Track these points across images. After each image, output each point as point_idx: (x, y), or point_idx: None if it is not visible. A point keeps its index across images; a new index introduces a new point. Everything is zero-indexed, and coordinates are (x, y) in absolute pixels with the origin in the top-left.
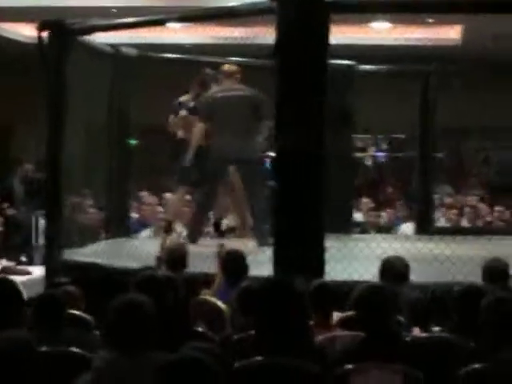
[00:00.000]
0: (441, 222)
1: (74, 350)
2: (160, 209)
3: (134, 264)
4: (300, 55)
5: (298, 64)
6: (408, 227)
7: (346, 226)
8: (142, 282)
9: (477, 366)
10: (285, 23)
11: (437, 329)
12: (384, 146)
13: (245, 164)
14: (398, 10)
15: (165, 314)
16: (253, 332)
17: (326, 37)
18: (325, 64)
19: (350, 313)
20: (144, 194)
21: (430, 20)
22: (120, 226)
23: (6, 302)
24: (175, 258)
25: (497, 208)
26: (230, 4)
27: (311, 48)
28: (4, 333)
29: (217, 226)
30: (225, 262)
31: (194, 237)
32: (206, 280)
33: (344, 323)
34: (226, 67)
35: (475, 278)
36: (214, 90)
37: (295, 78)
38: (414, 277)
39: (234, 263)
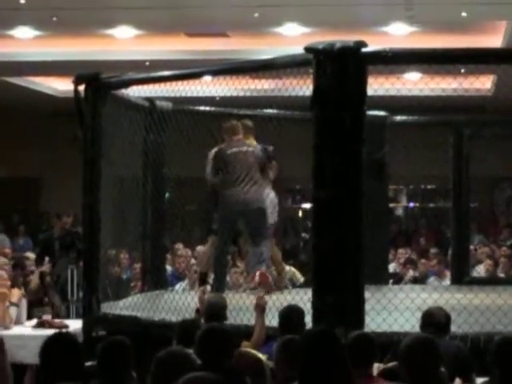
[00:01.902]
0: (476, 271)
1: None
2: (193, 261)
3: (173, 317)
4: (337, 107)
5: (336, 115)
6: (435, 280)
7: (382, 277)
8: (203, 334)
9: None
10: (322, 75)
11: (479, 380)
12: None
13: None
14: (433, 61)
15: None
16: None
17: (363, 88)
18: (362, 115)
19: (391, 364)
20: (178, 247)
21: (462, 70)
22: (157, 279)
23: (66, 355)
24: (215, 310)
25: None
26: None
27: (349, 99)
28: None
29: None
30: (281, 317)
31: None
32: (247, 332)
33: (386, 374)
34: (230, 125)
35: None
36: (224, 147)
37: (333, 129)
38: (454, 327)
39: (290, 319)
